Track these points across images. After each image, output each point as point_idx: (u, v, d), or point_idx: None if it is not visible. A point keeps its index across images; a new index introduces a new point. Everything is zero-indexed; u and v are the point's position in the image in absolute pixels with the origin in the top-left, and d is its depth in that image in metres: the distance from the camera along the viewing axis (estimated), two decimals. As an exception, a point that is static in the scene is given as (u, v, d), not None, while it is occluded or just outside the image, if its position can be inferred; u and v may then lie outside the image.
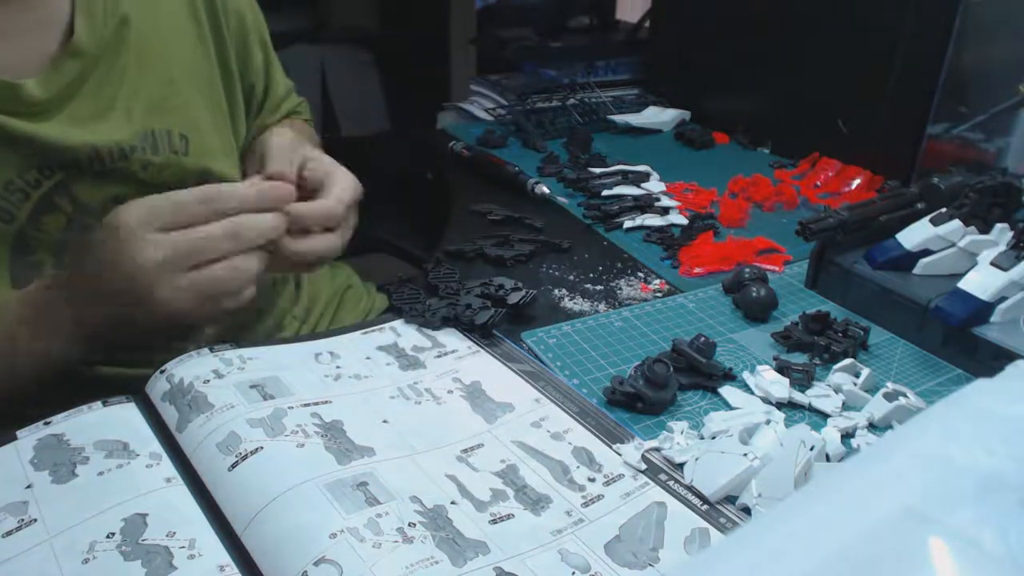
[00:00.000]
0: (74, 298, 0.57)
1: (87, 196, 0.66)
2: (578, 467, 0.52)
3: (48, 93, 0.62)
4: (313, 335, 0.66)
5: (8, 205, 0.62)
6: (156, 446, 0.52)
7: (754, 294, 0.72)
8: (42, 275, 0.62)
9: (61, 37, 0.63)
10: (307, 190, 0.66)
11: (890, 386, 0.59)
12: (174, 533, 0.45)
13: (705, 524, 0.48)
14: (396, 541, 0.44)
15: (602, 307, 0.75)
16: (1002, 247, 0.68)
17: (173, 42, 0.71)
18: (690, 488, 0.50)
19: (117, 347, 0.61)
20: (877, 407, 0.58)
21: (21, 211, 0.63)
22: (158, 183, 0.69)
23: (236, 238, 0.56)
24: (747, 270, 0.75)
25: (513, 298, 0.68)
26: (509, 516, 0.47)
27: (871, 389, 0.61)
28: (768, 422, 0.54)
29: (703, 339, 0.62)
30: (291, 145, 0.72)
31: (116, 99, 0.66)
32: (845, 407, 0.59)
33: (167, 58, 0.70)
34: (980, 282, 0.64)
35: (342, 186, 0.66)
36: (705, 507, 0.49)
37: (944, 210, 0.73)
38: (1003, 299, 0.64)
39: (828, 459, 0.53)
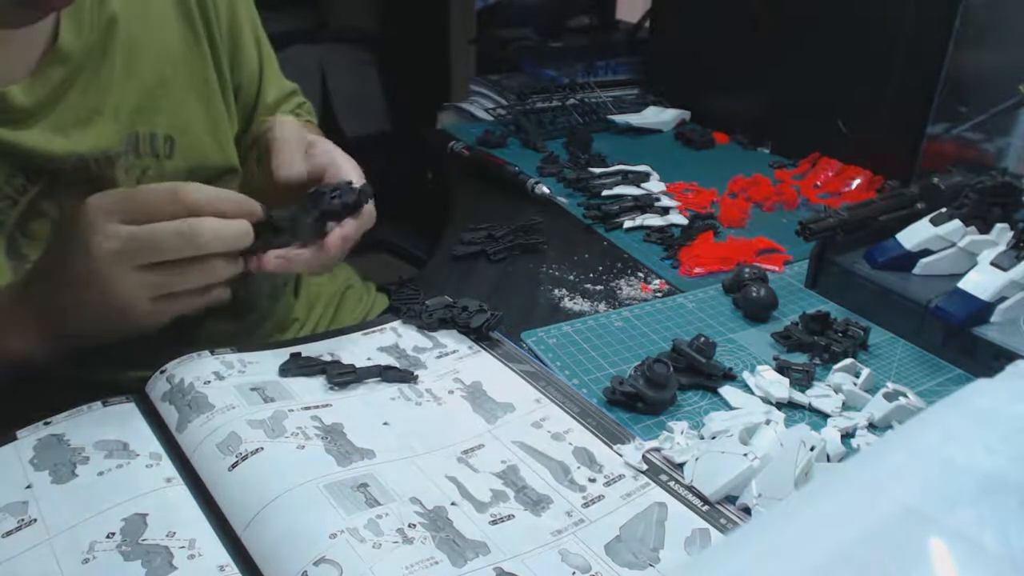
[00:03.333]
0: (37, 288, 0.55)
1: (72, 203, 0.64)
2: (579, 467, 0.52)
3: (32, 99, 0.61)
4: (313, 336, 0.66)
5: None
6: (156, 446, 0.52)
7: (754, 294, 0.72)
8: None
9: (46, 42, 0.62)
10: (313, 177, 0.66)
11: (890, 386, 0.59)
12: (174, 533, 0.45)
13: (705, 524, 0.48)
14: (396, 542, 0.44)
15: (602, 307, 0.75)
16: (1002, 247, 0.68)
17: (164, 40, 0.70)
18: (690, 488, 0.50)
19: (88, 349, 0.57)
20: (877, 407, 0.58)
21: (9, 217, 0.62)
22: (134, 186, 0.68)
23: (189, 238, 0.53)
24: (747, 270, 0.75)
25: (476, 321, 0.66)
26: (509, 517, 0.47)
27: (871, 389, 0.61)
28: (768, 422, 0.54)
29: (703, 339, 0.62)
30: (297, 135, 0.70)
31: (103, 104, 0.65)
32: (845, 407, 0.59)
33: (158, 57, 0.69)
34: (980, 282, 0.64)
35: (347, 170, 0.66)
36: (705, 507, 0.49)
37: (944, 210, 0.73)
38: (1003, 299, 0.64)
39: (828, 459, 0.53)
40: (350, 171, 0.66)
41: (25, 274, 0.58)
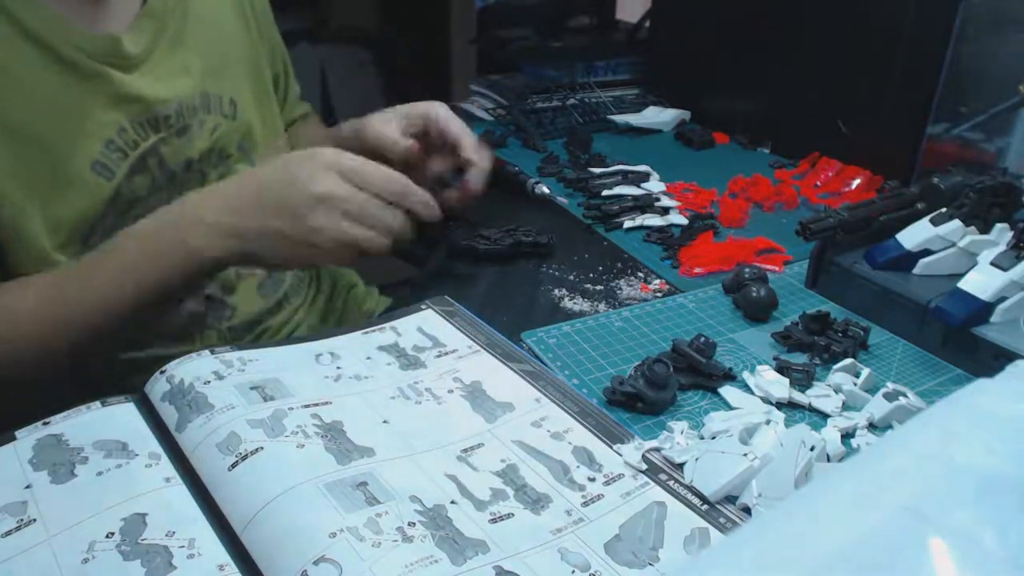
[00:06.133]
0: (225, 202, 0.63)
1: (171, 158, 0.71)
2: (578, 467, 0.52)
3: (137, 48, 0.68)
4: (314, 335, 0.66)
5: (109, 162, 0.67)
6: (155, 446, 0.52)
7: (754, 294, 0.72)
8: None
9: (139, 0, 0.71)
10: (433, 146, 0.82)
11: (890, 386, 0.59)
12: (173, 533, 0.45)
13: (705, 524, 0.48)
14: (396, 540, 0.44)
15: (602, 307, 0.75)
16: (1002, 247, 0.68)
17: (222, 19, 0.78)
18: (690, 488, 0.50)
19: (245, 259, 0.65)
20: (877, 407, 0.58)
21: (120, 169, 0.67)
22: (210, 145, 0.75)
23: (394, 179, 0.65)
24: (747, 270, 0.75)
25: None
26: (509, 515, 0.47)
27: (871, 389, 0.61)
28: (768, 422, 0.54)
29: (703, 339, 0.62)
30: (389, 116, 0.83)
31: (183, 60, 0.73)
32: (845, 407, 0.59)
33: (218, 31, 0.77)
34: (980, 282, 0.64)
35: (435, 110, 0.81)
36: (705, 507, 0.49)
37: (944, 210, 0.73)
38: (1003, 299, 0.64)
39: (828, 459, 0.53)
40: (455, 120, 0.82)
41: (207, 195, 0.65)
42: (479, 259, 0.83)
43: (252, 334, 0.80)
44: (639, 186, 0.99)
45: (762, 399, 0.60)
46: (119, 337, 0.68)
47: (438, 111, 0.81)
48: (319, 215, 0.62)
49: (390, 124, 0.81)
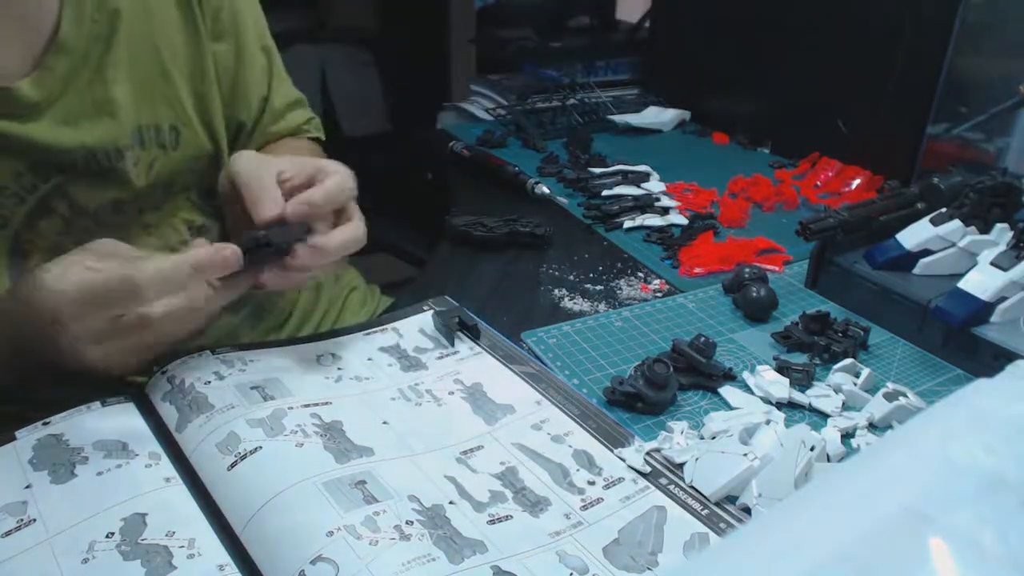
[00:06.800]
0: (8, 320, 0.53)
1: (85, 199, 0.65)
2: (578, 470, 0.52)
3: (40, 93, 0.61)
4: (315, 336, 0.66)
5: (2, 210, 0.61)
6: (155, 446, 0.52)
7: (754, 294, 0.72)
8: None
9: (49, 34, 0.62)
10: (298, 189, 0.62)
11: (890, 386, 0.59)
12: (173, 533, 0.45)
13: (705, 529, 0.47)
14: (393, 538, 0.44)
15: (602, 307, 0.75)
16: (1002, 247, 0.68)
17: (166, 33, 0.70)
18: (690, 492, 0.50)
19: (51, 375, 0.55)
20: (877, 407, 0.58)
21: (16, 215, 0.62)
22: (149, 181, 0.69)
23: (148, 328, 0.52)
24: (747, 270, 0.75)
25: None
26: (507, 517, 0.47)
27: (871, 389, 0.61)
28: (768, 422, 0.54)
29: (703, 339, 0.62)
30: (265, 171, 0.62)
31: (109, 96, 0.65)
32: (845, 407, 0.59)
33: (160, 50, 0.69)
34: (980, 282, 0.64)
35: (334, 169, 0.62)
36: (706, 511, 0.49)
37: (944, 210, 0.73)
38: (1003, 299, 0.64)
39: (828, 459, 0.53)
40: (338, 169, 0.63)
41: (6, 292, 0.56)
42: (475, 247, 0.83)
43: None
44: (639, 186, 0.99)
45: (762, 399, 0.60)
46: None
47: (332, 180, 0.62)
48: (88, 354, 0.51)
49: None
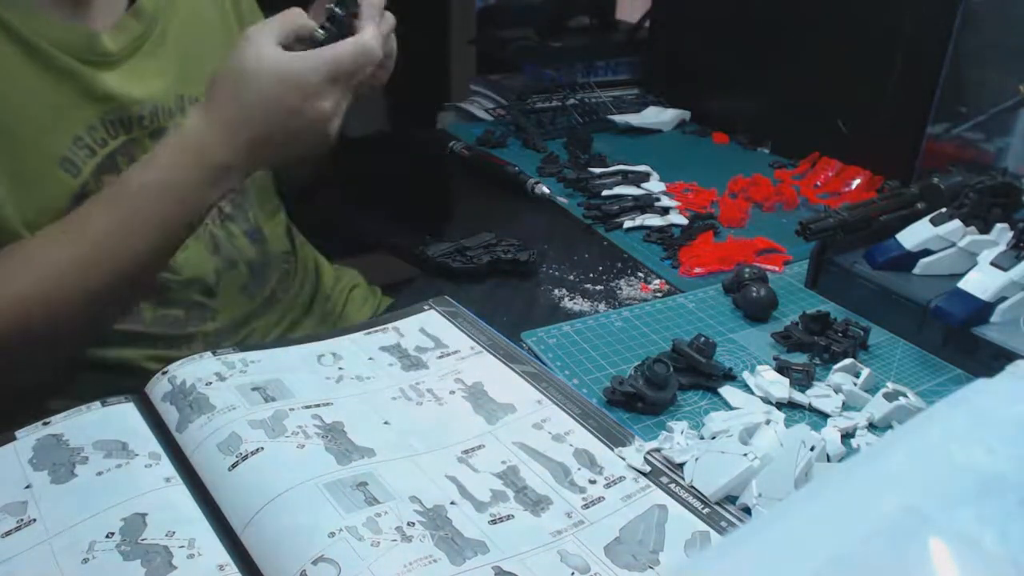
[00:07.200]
0: (235, 113, 0.62)
1: None
2: (579, 469, 0.52)
3: (117, 46, 0.69)
4: (316, 335, 0.66)
5: (75, 158, 0.66)
6: (155, 446, 0.52)
7: (754, 294, 0.72)
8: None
9: (127, 1, 0.72)
10: None
11: (890, 386, 0.59)
12: (173, 533, 0.45)
13: (706, 527, 0.48)
14: (395, 540, 0.44)
15: (602, 307, 0.75)
16: (1002, 247, 0.68)
17: (202, 15, 0.79)
18: (691, 491, 0.50)
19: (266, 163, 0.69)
20: (877, 407, 0.58)
21: (87, 166, 0.67)
22: None
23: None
24: (747, 270, 0.75)
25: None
26: (509, 517, 0.47)
27: (871, 389, 0.61)
28: (768, 422, 0.54)
29: (703, 339, 0.62)
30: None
31: (164, 62, 0.73)
32: (845, 407, 0.59)
33: (198, 29, 0.77)
34: (980, 282, 0.64)
35: None
36: (707, 510, 0.49)
37: (944, 210, 0.73)
38: (1003, 299, 0.64)
39: (828, 459, 0.53)
40: None
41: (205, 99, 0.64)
42: (453, 278, 0.78)
43: (239, 336, 0.80)
44: (639, 186, 0.99)
45: (762, 399, 0.60)
46: (137, 290, 0.69)
47: None
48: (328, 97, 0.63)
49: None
